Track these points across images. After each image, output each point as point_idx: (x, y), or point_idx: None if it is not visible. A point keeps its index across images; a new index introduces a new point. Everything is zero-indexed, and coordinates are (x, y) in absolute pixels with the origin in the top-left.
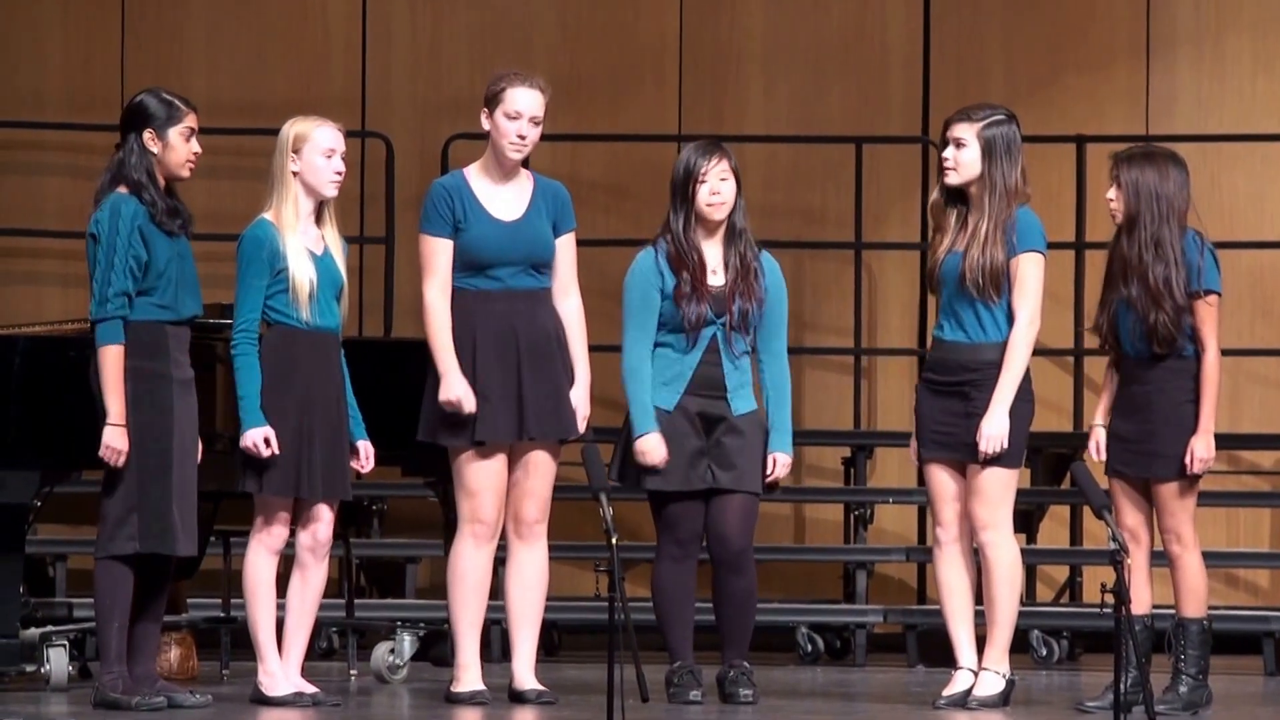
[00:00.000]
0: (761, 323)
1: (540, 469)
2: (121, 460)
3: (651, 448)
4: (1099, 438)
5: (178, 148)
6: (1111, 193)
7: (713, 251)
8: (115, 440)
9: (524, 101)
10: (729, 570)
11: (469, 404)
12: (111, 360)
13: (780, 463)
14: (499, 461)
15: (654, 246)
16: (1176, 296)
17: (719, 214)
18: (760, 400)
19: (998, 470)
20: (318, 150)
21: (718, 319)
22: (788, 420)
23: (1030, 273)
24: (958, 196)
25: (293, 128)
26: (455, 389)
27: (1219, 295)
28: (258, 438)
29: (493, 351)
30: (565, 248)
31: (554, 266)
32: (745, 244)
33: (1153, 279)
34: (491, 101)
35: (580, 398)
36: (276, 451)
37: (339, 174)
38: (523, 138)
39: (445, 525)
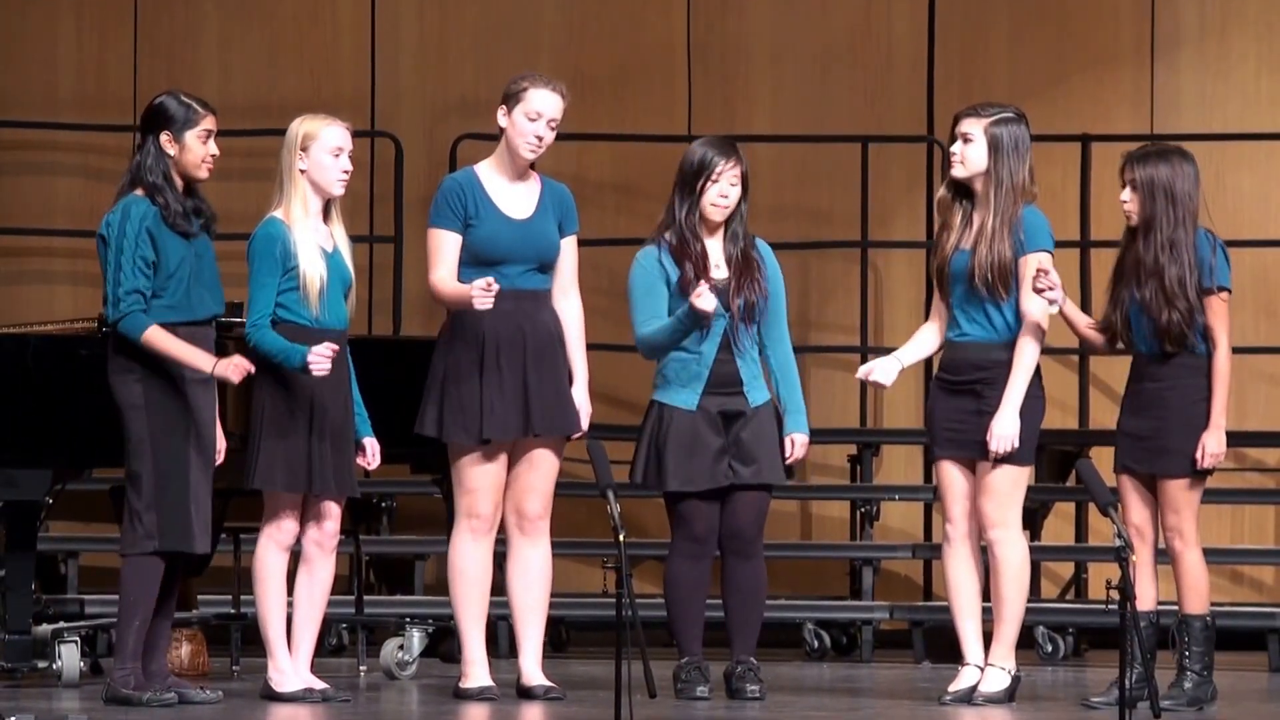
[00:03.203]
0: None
1: (543, 464)
2: (244, 370)
3: (705, 297)
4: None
5: (194, 149)
6: (1126, 194)
7: (714, 246)
8: (228, 370)
9: (545, 103)
10: (739, 560)
11: (485, 283)
12: (158, 339)
13: (799, 443)
14: (500, 458)
15: (655, 244)
16: (1190, 296)
17: (720, 216)
18: (771, 389)
19: (1008, 468)
20: (325, 149)
21: (725, 311)
22: (800, 400)
23: None
24: (965, 193)
25: (301, 126)
26: (474, 285)
27: (1230, 292)
28: (323, 351)
29: (502, 351)
30: (568, 250)
31: (556, 268)
32: (748, 243)
33: (1168, 280)
34: (511, 100)
35: (582, 397)
36: (336, 349)
37: (346, 172)
38: (539, 139)
39: (452, 522)
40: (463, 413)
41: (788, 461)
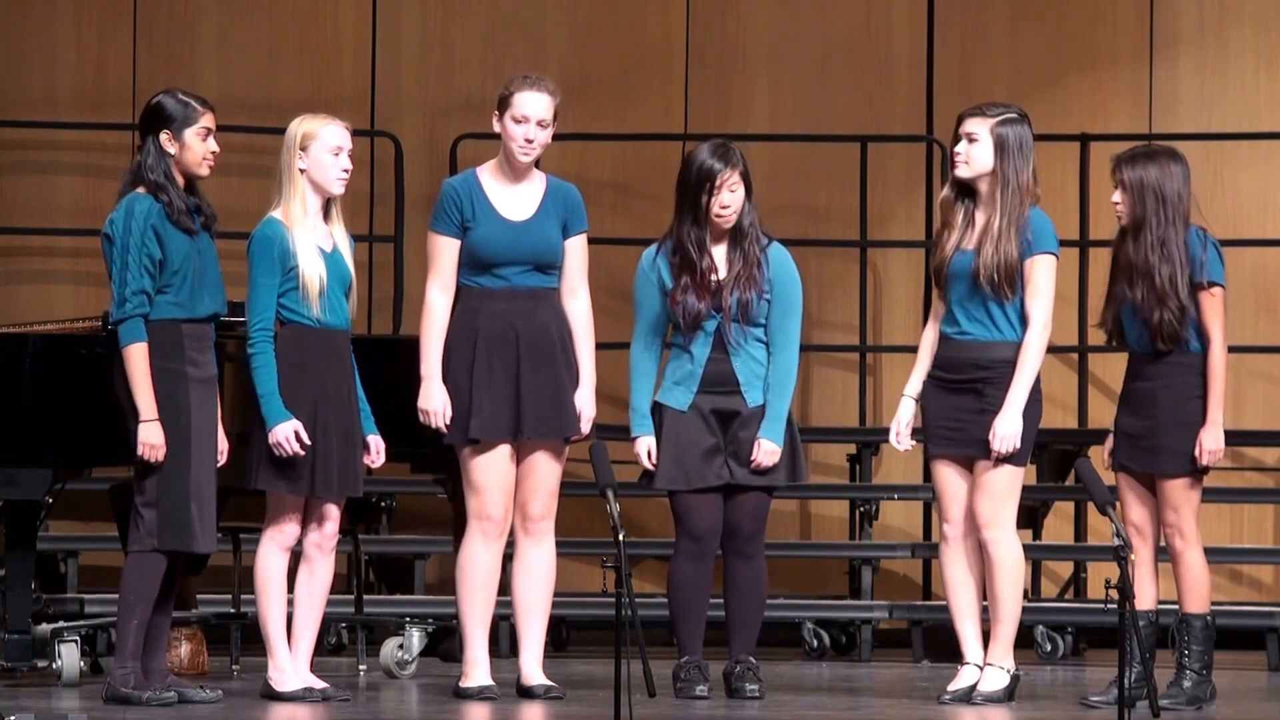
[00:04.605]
0: (771, 312)
1: (545, 465)
2: (160, 455)
3: (642, 451)
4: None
5: (194, 147)
6: (1116, 195)
7: (719, 250)
8: (150, 436)
9: (530, 105)
10: (739, 560)
11: (443, 418)
12: (136, 358)
13: (765, 449)
14: (504, 458)
15: (658, 245)
16: (1181, 294)
17: (727, 224)
18: None
19: (1005, 468)
20: (325, 148)
21: (717, 313)
22: (781, 410)
23: (1044, 275)
24: (967, 193)
25: (300, 125)
26: (434, 399)
27: (1223, 288)
28: (287, 432)
29: (494, 350)
30: (575, 249)
31: (563, 268)
32: (751, 240)
33: (1159, 280)
34: (501, 105)
35: (585, 399)
36: (308, 441)
37: (346, 171)
38: (530, 141)
39: (454, 522)
40: (453, 411)
41: (751, 465)
